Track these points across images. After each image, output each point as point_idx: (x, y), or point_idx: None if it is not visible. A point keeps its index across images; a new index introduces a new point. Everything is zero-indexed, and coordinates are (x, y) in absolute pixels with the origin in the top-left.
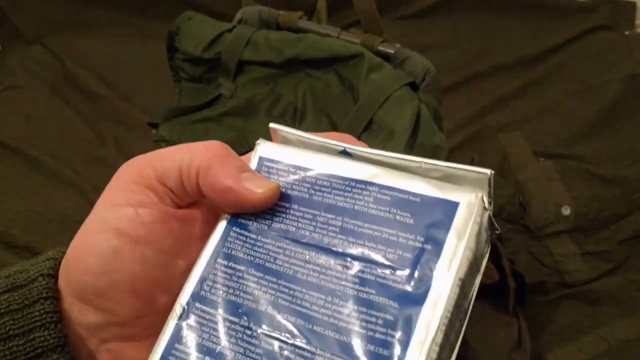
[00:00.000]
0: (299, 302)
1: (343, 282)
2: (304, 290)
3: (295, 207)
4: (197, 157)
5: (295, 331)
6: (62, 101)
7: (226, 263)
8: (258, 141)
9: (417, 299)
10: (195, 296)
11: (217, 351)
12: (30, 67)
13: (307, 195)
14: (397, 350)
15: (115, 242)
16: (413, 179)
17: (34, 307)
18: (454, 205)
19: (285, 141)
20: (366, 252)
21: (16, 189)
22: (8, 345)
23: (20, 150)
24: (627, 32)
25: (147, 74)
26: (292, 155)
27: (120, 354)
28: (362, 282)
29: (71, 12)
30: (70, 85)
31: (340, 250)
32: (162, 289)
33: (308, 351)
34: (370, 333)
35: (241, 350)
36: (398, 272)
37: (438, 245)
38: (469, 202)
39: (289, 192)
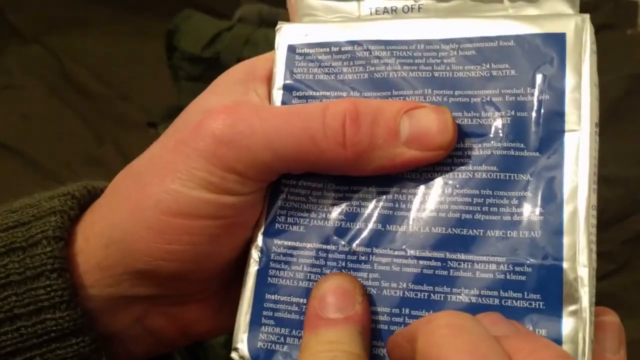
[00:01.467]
0: (405, 205)
1: (455, 170)
2: (406, 191)
3: (357, 95)
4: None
5: (412, 241)
6: (60, 100)
7: (295, 182)
8: (278, 26)
9: (552, 163)
10: (271, 232)
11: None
12: (28, 66)
13: (366, 76)
14: (545, 227)
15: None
16: (492, 19)
17: (38, 282)
18: (559, 38)
19: (308, 13)
20: (470, 125)
21: (13, 189)
22: (15, 325)
23: (17, 150)
24: (629, 32)
25: (146, 73)
26: (327, 31)
27: (179, 316)
28: (478, 162)
29: (69, 10)
30: (68, 84)
31: None
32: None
33: (437, 259)
34: (507, 218)
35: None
36: (516, 138)
37: (556, 92)
38: (576, 28)
39: (343, 78)
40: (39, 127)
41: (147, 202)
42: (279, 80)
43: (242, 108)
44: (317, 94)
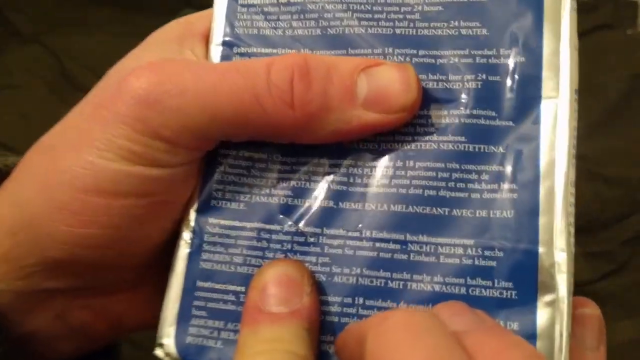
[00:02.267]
0: (361, 180)
1: (417, 141)
2: (362, 164)
3: (309, 51)
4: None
5: (368, 221)
6: (59, 100)
7: (235, 153)
8: None
9: (527, 134)
10: (206, 210)
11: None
12: (28, 65)
13: (319, 32)
14: (519, 207)
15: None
16: None
17: None
18: None
19: None
20: (435, 90)
21: None
22: None
23: (17, 150)
24: (629, 32)
25: None
26: None
27: (106, 308)
28: (444, 131)
29: (69, 10)
30: (68, 84)
31: None
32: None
33: (396, 242)
34: (475, 195)
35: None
36: (488, 105)
37: (533, 54)
38: None
39: (292, 33)
40: (39, 127)
41: (60, 177)
42: (218, 34)
43: (171, 64)
44: (262, 50)
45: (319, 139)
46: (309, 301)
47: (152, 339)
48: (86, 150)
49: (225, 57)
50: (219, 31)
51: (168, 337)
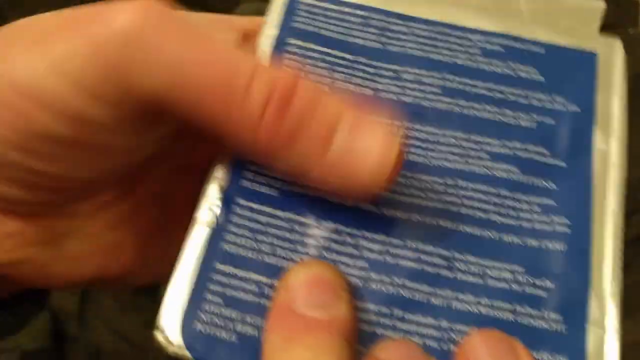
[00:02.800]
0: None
1: (469, 163)
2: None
3: (364, 60)
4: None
5: (413, 231)
6: None
7: None
8: None
9: (579, 177)
10: (236, 189)
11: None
12: None
13: (379, 45)
14: (571, 243)
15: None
16: (522, 22)
17: None
18: (590, 58)
19: None
20: (490, 121)
21: None
22: None
23: None
24: (631, 31)
25: None
26: None
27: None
28: (497, 158)
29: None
30: None
31: (454, 118)
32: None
33: (442, 257)
34: (527, 225)
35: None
36: (541, 144)
37: (585, 105)
38: (611, 50)
39: (352, 41)
40: None
41: (8, 73)
42: (272, 27)
43: (167, 15)
44: (318, 48)
45: (271, 167)
46: (348, 309)
47: (151, 339)
48: (42, 58)
49: (277, 47)
50: (274, 24)
51: (171, 320)
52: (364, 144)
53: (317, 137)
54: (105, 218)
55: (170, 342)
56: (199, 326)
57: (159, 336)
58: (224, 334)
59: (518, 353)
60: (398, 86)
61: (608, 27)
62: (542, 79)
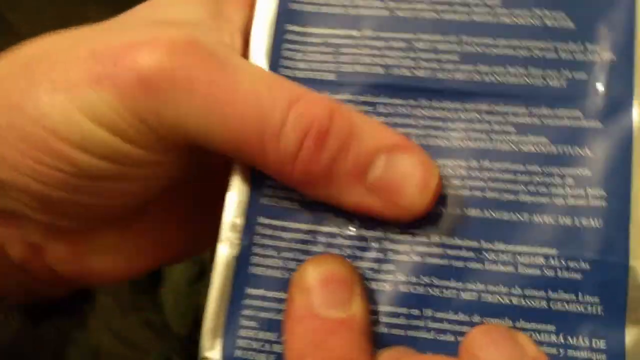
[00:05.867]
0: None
1: (494, 139)
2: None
3: (372, 34)
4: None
5: (438, 224)
6: None
7: None
8: None
9: (617, 139)
10: (255, 207)
11: None
12: None
13: (386, 13)
14: (608, 217)
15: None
16: None
17: None
18: None
19: None
20: (514, 86)
21: None
22: None
23: None
24: None
25: None
26: None
27: (44, 249)
28: (523, 130)
29: (67, 9)
30: None
31: (475, 89)
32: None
33: (469, 249)
34: (559, 201)
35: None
36: (573, 104)
37: (623, 51)
38: None
39: (356, 13)
40: None
41: (31, 109)
42: (268, 8)
43: (192, 50)
44: (319, 31)
45: (309, 195)
46: (363, 303)
47: (152, 339)
48: (67, 96)
49: (275, 38)
50: (269, 4)
51: (213, 350)
52: (403, 171)
53: (353, 170)
54: (152, 216)
55: None
56: (238, 353)
57: None
58: (262, 357)
59: (521, 343)
60: (411, 58)
61: None
62: (571, 25)
